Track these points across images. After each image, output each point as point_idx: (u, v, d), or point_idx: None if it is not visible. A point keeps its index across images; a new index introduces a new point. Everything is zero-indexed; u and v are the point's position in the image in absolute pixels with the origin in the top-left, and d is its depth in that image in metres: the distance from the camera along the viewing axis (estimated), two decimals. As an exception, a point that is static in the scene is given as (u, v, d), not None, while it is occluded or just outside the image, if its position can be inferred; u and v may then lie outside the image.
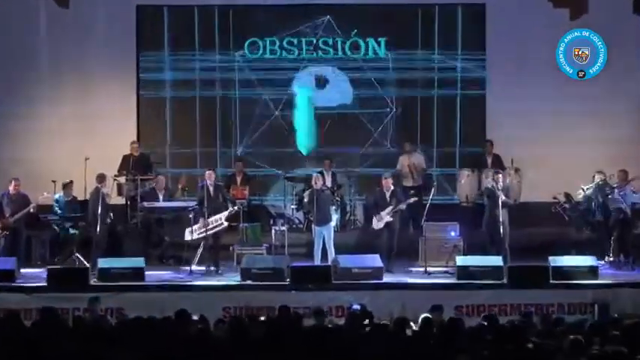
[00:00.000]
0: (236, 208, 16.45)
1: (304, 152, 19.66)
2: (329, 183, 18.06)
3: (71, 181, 17.21)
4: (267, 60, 19.62)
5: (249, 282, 14.90)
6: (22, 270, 15.62)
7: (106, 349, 9.17)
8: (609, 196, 16.44)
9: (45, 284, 14.71)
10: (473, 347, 9.28)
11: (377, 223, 16.13)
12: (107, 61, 19.32)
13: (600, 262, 15.63)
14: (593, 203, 16.75)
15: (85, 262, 15.81)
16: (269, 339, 9.64)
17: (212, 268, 15.83)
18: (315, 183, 16.11)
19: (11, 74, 19.26)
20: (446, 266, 15.90)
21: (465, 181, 18.39)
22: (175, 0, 19.65)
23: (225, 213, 16.03)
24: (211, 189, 16.06)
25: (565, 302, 14.44)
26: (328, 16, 19.44)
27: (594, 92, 18.75)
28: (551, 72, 18.67)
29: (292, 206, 18.87)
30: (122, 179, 17.94)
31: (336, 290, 14.54)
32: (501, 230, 15.75)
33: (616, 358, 8.58)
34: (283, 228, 16.95)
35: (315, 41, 19.59)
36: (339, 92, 19.77)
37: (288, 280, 14.81)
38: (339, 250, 15.90)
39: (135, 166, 18.05)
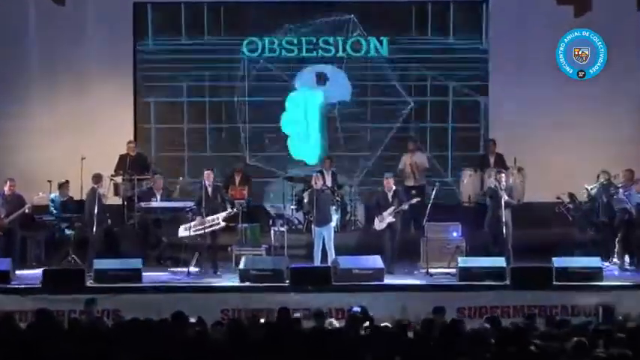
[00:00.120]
0: (235, 210, 16.44)
1: (312, 161, 19.45)
2: (329, 183, 18.05)
3: (67, 181, 17.23)
4: (267, 59, 19.70)
5: (247, 283, 14.89)
6: (17, 271, 15.59)
7: (103, 352, 9.18)
8: (614, 196, 16.44)
9: (40, 286, 14.68)
10: (475, 350, 9.28)
11: (379, 224, 16.13)
12: (103, 59, 19.32)
13: (605, 263, 15.64)
14: (597, 203, 16.76)
15: (81, 264, 15.82)
16: (268, 342, 9.64)
17: (210, 269, 15.83)
18: (315, 183, 16.11)
19: (5, 73, 19.26)
20: (448, 267, 15.91)
21: (468, 181, 18.38)
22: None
23: (224, 214, 16.03)
24: (210, 189, 16.09)
25: (569, 304, 14.44)
26: (352, 15, 19.51)
27: (594, 92, 18.82)
28: (551, 72, 18.72)
29: (292, 206, 18.85)
30: (119, 179, 17.93)
31: (336, 292, 14.54)
32: (504, 231, 15.74)
33: (621, 362, 8.60)
34: (283, 229, 16.95)
35: (315, 40, 19.65)
36: (339, 89, 19.80)
37: (287, 281, 14.81)
38: (339, 251, 15.89)
39: (132, 165, 18.04)
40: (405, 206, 16.21)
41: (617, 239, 16.34)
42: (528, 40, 19.09)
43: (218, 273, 15.82)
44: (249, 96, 19.61)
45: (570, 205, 17.35)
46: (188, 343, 9.66)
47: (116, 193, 17.89)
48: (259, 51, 19.67)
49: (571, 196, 17.39)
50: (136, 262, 15.25)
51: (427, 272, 15.75)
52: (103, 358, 9.06)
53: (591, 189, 16.92)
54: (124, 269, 15.04)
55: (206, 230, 15.85)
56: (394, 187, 16.33)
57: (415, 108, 19.64)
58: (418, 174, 18.56)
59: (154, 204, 17.09)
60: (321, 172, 17.65)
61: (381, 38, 19.62)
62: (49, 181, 17.25)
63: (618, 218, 16.35)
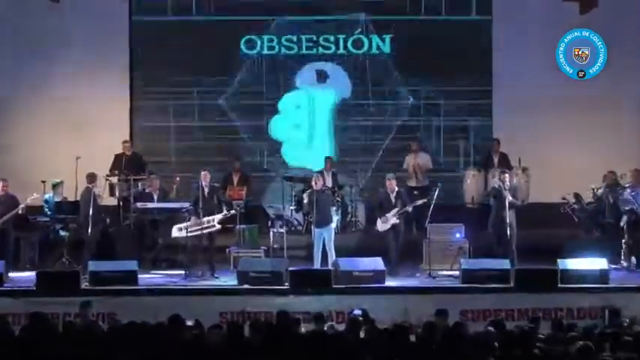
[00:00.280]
0: (232, 212, 16.39)
1: (318, 167, 19.13)
2: (329, 183, 18.05)
3: (61, 181, 17.22)
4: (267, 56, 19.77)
5: (246, 286, 14.88)
6: (11, 274, 15.61)
7: (99, 356, 9.18)
8: (620, 197, 16.44)
9: (34, 288, 14.68)
10: (478, 354, 9.29)
11: (382, 225, 16.12)
12: (99, 57, 19.34)
13: (611, 265, 15.63)
14: (603, 204, 16.76)
15: (76, 265, 15.82)
16: (267, 345, 9.64)
17: (208, 271, 15.84)
18: (315, 183, 16.11)
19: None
20: (451, 269, 15.92)
21: (471, 181, 18.39)
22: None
23: (219, 216, 15.99)
24: (206, 190, 16.05)
25: (574, 307, 14.45)
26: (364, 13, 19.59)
27: (594, 92, 18.88)
28: (551, 72, 18.76)
29: (291, 207, 18.85)
30: (114, 179, 17.92)
31: (336, 294, 14.54)
32: (508, 232, 15.74)
33: (627, 365, 8.60)
34: (282, 230, 16.94)
35: (315, 38, 19.68)
36: (339, 86, 19.82)
37: (286, 284, 14.80)
38: (339, 252, 15.88)
39: (127, 165, 18.05)
40: (410, 208, 16.21)
41: (623, 240, 16.35)
42: (529, 40, 19.18)
43: (216, 275, 15.82)
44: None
45: (576, 206, 17.36)
46: (185, 346, 9.66)
47: (112, 194, 17.90)
48: (258, 49, 19.72)
49: (576, 196, 17.40)
50: (131, 264, 15.23)
51: (429, 274, 15.75)
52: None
53: (597, 189, 16.92)
54: (119, 271, 15.02)
55: (200, 232, 15.81)
56: (397, 189, 16.32)
57: (417, 108, 19.71)
58: (421, 175, 18.58)
59: (151, 204, 17.08)
60: (321, 172, 17.67)
61: (384, 36, 19.65)
62: (43, 182, 17.24)
63: (625, 219, 16.36)
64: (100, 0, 19.50)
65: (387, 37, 19.68)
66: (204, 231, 15.80)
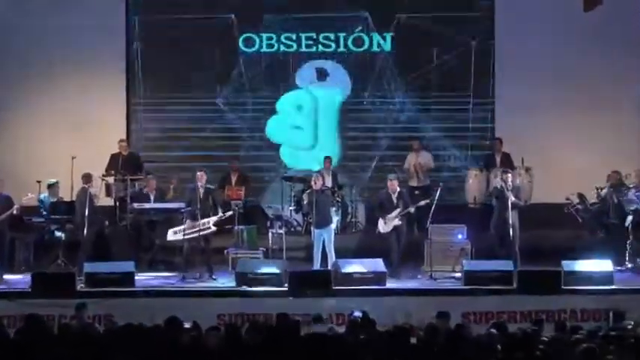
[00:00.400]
0: (228, 213, 16.29)
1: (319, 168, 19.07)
2: (329, 183, 18.04)
3: (57, 182, 17.21)
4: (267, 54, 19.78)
5: (244, 287, 14.89)
6: (5, 275, 15.65)
7: (94, 358, 9.18)
8: (625, 197, 16.44)
9: (29, 290, 14.70)
10: (480, 356, 9.29)
11: (384, 226, 16.10)
12: (95, 57, 19.35)
13: (616, 266, 15.63)
14: (607, 204, 16.77)
15: (72, 267, 15.82)
16: (266, 348, 9.64)
17: (205, 272, 15.83)
18: (315, 183, 16.10)
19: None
20: (452, 271, 15.92)
21: (473, 181, 18.39)
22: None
23: (214, 218, 15.91)
24: (201, 191, 15.95)
25: (578, 309, 14.46)
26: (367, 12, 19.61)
27: (595, 92, 18.99)
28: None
29: (290, 208, 18.85)
30: (110, 179, 17.91)
31: (336, 296, 14.54)
32: (511, 233, 15.75)
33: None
34: (281, 231, 16.93)
35: (315, 36, 19.70)
36: (339, 84, 19.83)
37: (286, 285, 14.81)
38: (339, 253, 15.89)
39: (124, 165, 18.04)
40: (412, 209, 16.20)
41: (628, 241, 16.35)
42: (533, 39, 19.25)
43: (214, 277, 15.81)
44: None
45: (580, 206, 17.36)
46: (183, 349, 9.66)
47: (108, 194, 17.89)
48: (257, 46, 19.74)
49: (580, 196, 17.39)
50: (128, 266, 15.24)
51: (431, 276, 15.76)
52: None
53: (601, 189, 16.93)
54: (116, 273, 15.04)
55: (195, 234, 15.79)
56: (399, 189, 16.32)
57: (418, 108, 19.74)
58: (422, 174, 18.58)
59: (148, 205, 17.08)
60: (320, 172, 17.66)
61: (385, 34, 19.67)
62: (39, 182, 17.22)
63: (630, 219, 16.36)
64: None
65: (388, 35, 19.70)
66: (200, 233, 15.76)
